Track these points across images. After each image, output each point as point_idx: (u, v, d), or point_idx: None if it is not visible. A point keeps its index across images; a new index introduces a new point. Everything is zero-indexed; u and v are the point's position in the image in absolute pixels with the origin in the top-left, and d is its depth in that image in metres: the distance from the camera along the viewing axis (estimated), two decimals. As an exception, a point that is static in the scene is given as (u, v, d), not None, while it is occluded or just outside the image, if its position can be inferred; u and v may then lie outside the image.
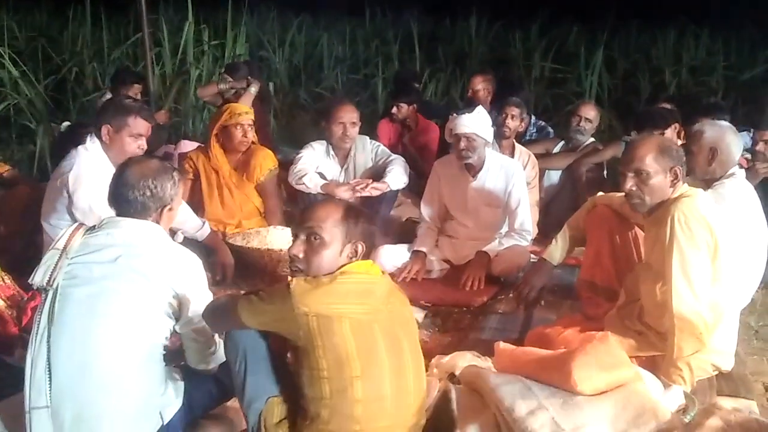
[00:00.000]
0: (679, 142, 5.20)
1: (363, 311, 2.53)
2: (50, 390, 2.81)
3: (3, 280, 3.82)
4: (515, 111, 5.69)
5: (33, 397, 2.81)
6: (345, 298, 2.52)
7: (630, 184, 3.32)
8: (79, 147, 4.28)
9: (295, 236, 2.73)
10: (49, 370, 2.82)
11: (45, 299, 2.89)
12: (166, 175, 3.04)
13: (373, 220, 2.81)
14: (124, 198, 2.96)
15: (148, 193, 2.97)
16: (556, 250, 3.94)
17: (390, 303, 2.63)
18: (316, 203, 2.81)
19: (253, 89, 6.42)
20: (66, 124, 6.83)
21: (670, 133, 5.40)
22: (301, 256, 2.68)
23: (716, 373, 3.32)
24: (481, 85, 6.61)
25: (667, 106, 5.84)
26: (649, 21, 11.94)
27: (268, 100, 7.34)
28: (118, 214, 2.98)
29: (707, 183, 3.94)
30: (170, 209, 3.04)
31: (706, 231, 3.15)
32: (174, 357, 3.06)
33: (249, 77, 6.60)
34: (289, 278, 2.61)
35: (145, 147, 4.20)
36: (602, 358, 2.82)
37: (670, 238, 3.14)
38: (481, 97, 6.47)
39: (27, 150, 7.29)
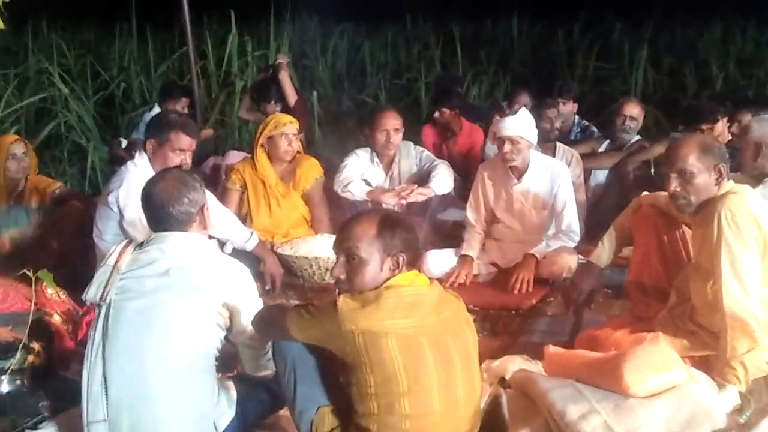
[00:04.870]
0: (729, 137, 5.15)
1: (410, 324, 2.51)
2: (107, 403, 2.85)
3: (58, 295, 3.89)
4: (557, 114, 5.68)
5: (91, 411, 2.86)
6: (392, 313, 2.50)
7: (674, 185, 3.28)
8: (128, 163, 4.35)
9: (337, 257, 2.72)
10: (105, 384, 2.86)
11: (99, 314, 2.94)
12: (193, 181, 3.12)
13: (412, 227, 2.78)
14: (166, 214, 3.01)
15: (186, 201, 3.02)
16: (604, 252, 3.91)
17: (441, 312, 2.60)
18: (351, 220, 2.76)
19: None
20: (124, 140, 6.93)
21: (721, 127, 5.34)
22: (343, 277, 2.68)
23: (773, 371, 3.27)
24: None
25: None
26: (694, 15, 11.77)
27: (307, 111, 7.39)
28: (162, 230, 3.03)
29: (756, 179, 3.89)
30: (207, 208, 3.12)
31: (754, 227, 3.10)
32: (227, 366, 3.09)
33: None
34: (337, 294, 2.61)
35: (190, 162, 4.25)
36: (654, 359, 2.81)
37: (718, 236, 3.10)
38: None
39: (78, 166, 7.41)
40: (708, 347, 3.20)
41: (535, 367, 3.27)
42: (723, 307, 3.08)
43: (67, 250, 4.76)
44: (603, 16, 12.01)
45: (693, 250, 3.46)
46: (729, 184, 3.27)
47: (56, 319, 3.75)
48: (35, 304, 3.58)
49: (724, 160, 3.28)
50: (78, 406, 2.91)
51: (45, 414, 3.25)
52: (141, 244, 3.05)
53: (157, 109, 6.54)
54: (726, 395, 3.00)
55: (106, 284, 2.94)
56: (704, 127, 5.24)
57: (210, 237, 3.66)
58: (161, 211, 3.02)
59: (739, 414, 2.75)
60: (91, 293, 3.01)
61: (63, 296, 3.89)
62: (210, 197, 4.48)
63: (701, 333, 3.25)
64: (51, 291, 3.82)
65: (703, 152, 3.25)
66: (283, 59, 7.09)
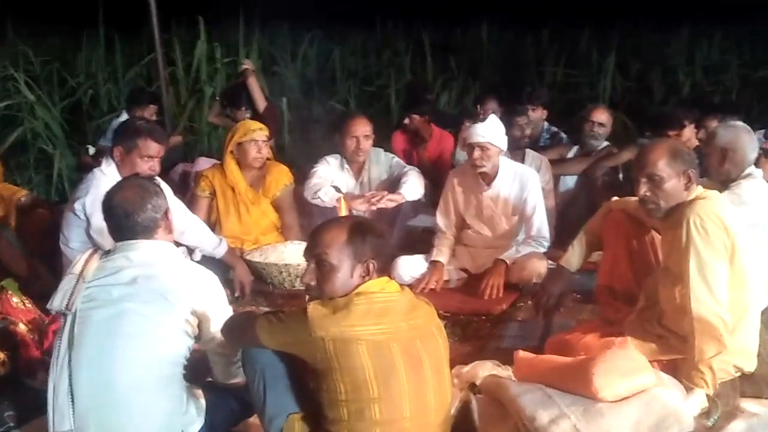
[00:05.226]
0: (696, 143, 5.20)
1: (380, 331, 2.51)
2: (73, 414, 2.83)
3: (24, 304, 3.84)
4: (526, 120, 5.72)
5: (56, 422, 2.83)
6: (362, 319, 2.50)
7: (644, 189, 3.31)
8: (96, 170, 4.34)
9: (307, 263, 2.71)
10: (72, 394, 2.84)
11: (64, 323, 2.91)
12: (154, 187, 3.12)
13: (383, 234, 2.78)
14: (132, 222, 2.99)
15: (150, 207, 3.01)
16: (573, 256, 3.92)
17: (412, 318, 2.59)
18: (321, 226, 2.75)
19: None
20: (91, 148, 6.88)
21: (688, 133, 5.38)
22: (313, 284, 2.68)
23: (739, 374, 3.26)
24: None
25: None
26: (661, 22, 11.89)
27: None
28: (126, 239, 3.01)
29: (724, 184, 3.92)
30: (170, 212, 3.11)
31: (722, 232, 3.13)
32: (194, 375, 3.07)
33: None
34: (307, 301, 2.60)
35: (158, 169, 4.24)
36: (623, 363, 2.82)
37: (687, 241, 3.12)
38: None
39: (45, 174, 7.35)
40: (676, 351, 3.21)
41: (505, 372, 3.28)
42: (691, 311, 3.10)
43: (33, 258, 4.70)
44: (571, 23, 12.09)
45: (662, 254, 3.48)
46: (698, 190, 3.29)
47: (22, 328, 3.71)
48: (0, 313, 3.54)
49: (693, 165, 3.31)
50: (44, 416, 2.88)
51: (11, 424, 3.22)
52: (107, 253, 3.04)
53: (124, 116, 6.50)
54: (694, 399, 3.01)
55: (72, 293, 2.92)
56: (671, 133, 5.28)
57: (178, 244, 3.65)
58: (126, 220, 3.00)
59: (707, 417, 2.76)
60: (57, 302, 2.99)
61: (29, 305, 3.84)
62: (178, 204, 4.49)
63: (669, 337, 3.27)
64: (16, 300, 3.79)
65: (672, 157, 3.27)
66: (248, 64, 7.05)
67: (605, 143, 6.02)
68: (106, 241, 3.24)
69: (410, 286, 4.23)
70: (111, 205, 3.05)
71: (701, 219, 3.12)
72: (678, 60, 11.24)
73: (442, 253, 4.91)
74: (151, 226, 3.02)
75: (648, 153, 3.33)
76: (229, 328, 2.88)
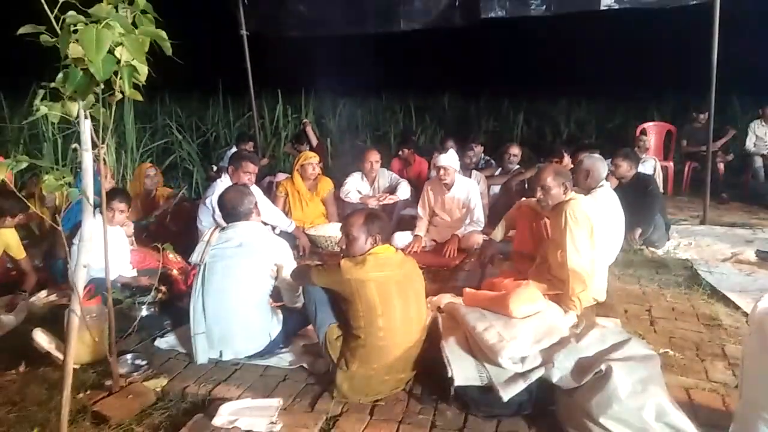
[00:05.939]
0: (571, 166, 5.17)
1: (383, 276, 2.51)
2: (205, 322, 2.86)
3: (176, 258, 3.86)
4: (472, 152, 5.72)
5: (195, 327, 2.86)
6: (372, 269, 2.50)
7: (539, 194, 3.31)
8: (217, 180, 4.34)
9: (341, 235, 2.71)
10: (204, 311, 2.86)
11: (199, 270, 2.93)
12: (248, 191, 3.14)
13: (385, 219, 2.76)
14: (237, 211, 3.01)
15: (246, 202, 3.03)
16: (498, 232, 3.92)
17: (402, 268, 2.59)
18: (349, 215, 2.74)
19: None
20: (214, 167, 6.90)
21: (566, 160, 5.35)
22: (344, 247, 2.68)
23: (595, 302, 3.29)
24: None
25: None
26: (549, 93, 11.81)
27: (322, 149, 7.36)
28: (234, 221, 3.01)
29: (587, 191, 3.91)
30: (257, 205, 3.12)
31: (586, 219, 3.13)
32: (276, 299, 3.08)
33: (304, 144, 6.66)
34: (341, 258, 2.60)
35: (254, 180, 4.25)
36: (527, 295, 2.82)
37: (564, 223, 3.12)
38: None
39: (187, 182, 7.35)
40: (558, 289, 3.21)
41: (458, 300, 3.27)
42: (567, 265, 3.11)
43: (181, 231, 4.72)
44: (497, 94, 12.02)
45: (550, 231, 3.47)
46: (571, 194, 3.28)
47: (174, 272, 3.72)
48: (162, 263, 3.56)
49: (568, 179, 3.30)
50: (188, 324, 2.90)
51: (168, 329, 3.23)
52: (223, 229, 3.05)
53: (234, 149, 6.47)
54: (569, 317, 3.03)
55: (203, 252, 2.94)
56: (556, 160, 5.26)
57: (265, 223, 3.64)
58: (232, 210, 3.01)
59: (576, 328, 2.76)
60: (194, 258, 3.00)
61: (179, 258, 3.86)
62: (266, 200, 4.48)
63: (555, 280, 3.26)
64: (171, 256, 3.80)
65: (556, 175, 3.27)
66: (306, 122, 7.10)
67: (517, 166, 5.98)
68: (223, 222, 3.25)
69: (402, 249, 4.26)
70: (224, 201, 3.06)
71: (573, 210, 3.13)
72: (560, 116, 11.15)
73: (420, 230, 4.88)
74: (247, 213, 3.03)
75: (541, 173, 3.33)
76: (295, 273, 2.88)
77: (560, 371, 2.32)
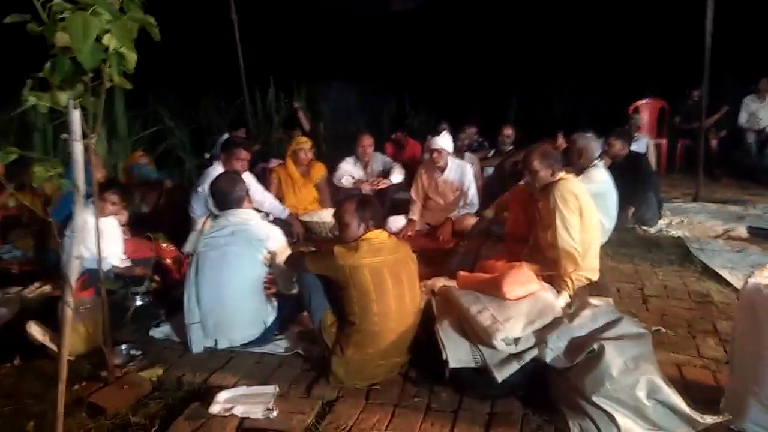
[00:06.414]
0: (565, 145, 5.17)
1: (376, 261, 2.51)
2: (199, 311, 2.86)
3: (169, 246, 3.85)
4: (465, 134, 5.71)
5: (189, 316, 2.86)
6: (365, 254, 2.50)
7: (527, 177, 3.33)
8: (209, 167, 4.31)
9: (334, 222, 2.71)
10: (198, 300, 2.86)
11: (192, 259, 2.92)
12: (239, 178, 3.12)
13: (376, 204, 2.75)
14: (229, 199, 2.99)
15: (238, 189, 3.02)
16: (489, 212, 3.97)
17: (396, 253, 2.59)
18: (342, 201, 2.75)
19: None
20: (207, 154, 6.86)
21: (560, 140, 5.34)
22: (337, 233, 2.69)
23: (588, 282, 3.30)
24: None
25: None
26: (544, 79, 11.67)
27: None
28: (226, 209, 3.00)
29: (580, 170, 3.91)
30: (248, 192, 3.12)
31: (574, 199, 3.14)
32: (270, 287, 3.08)
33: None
34: (334, 244, 2.60)
35: (247, 166, 4.21)
36: (520, 277, 2.81)
37: (554, 204, 3.13)
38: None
39: (179, 169, 7.31)
40: (551, 269, 3.22)
41: (452, 283, 3.27)
42: (558, 245, 3.12)
43: (174, 219, 4.70)
44: (490, 74, 11.92)
45: (541, 213, 3.48)
46: (560, 174, 3.27)
47: (168, 261, 3.71)
48: (155, 253, 3.55)
49: (557, 161, 3.29)
50: (182, 312, 2.90)
51: (163, 318, 3.23)
52: (215, 217, 3.04)
53: (226, 135, 6.43)
54: (561, 297, 3.05)
55: (197, 242, 2.93)
56: (549, 140, 5.25)
57: (259, 211, 3.63)
58: (224, 197, 3.00)
59: (569, 308, 2.78)
60: (188, 247, 3.01)
61: (172, 247, 3.85)
62: (259, 187, 4.46)
63: (547, 261, 3.27)
64: (165, 245, 3.79)
65: (543, 157, 3.27)
66: (297, 106, 7.08)
67: (510, 147, 5.98)
68: (215, 210, 3.25)
69: (396, 233, 4.27)
70: (215, 189, 3.04)
71: (562, 192, 3.14)
72: (553, 96, 11.09)
73: (414, 213, 4.88)
74: (239, 200, 3.01)
75: (528, 155, 3.32)
76: (289, 260, 2.88)
77: (553, 351, 2.34)
